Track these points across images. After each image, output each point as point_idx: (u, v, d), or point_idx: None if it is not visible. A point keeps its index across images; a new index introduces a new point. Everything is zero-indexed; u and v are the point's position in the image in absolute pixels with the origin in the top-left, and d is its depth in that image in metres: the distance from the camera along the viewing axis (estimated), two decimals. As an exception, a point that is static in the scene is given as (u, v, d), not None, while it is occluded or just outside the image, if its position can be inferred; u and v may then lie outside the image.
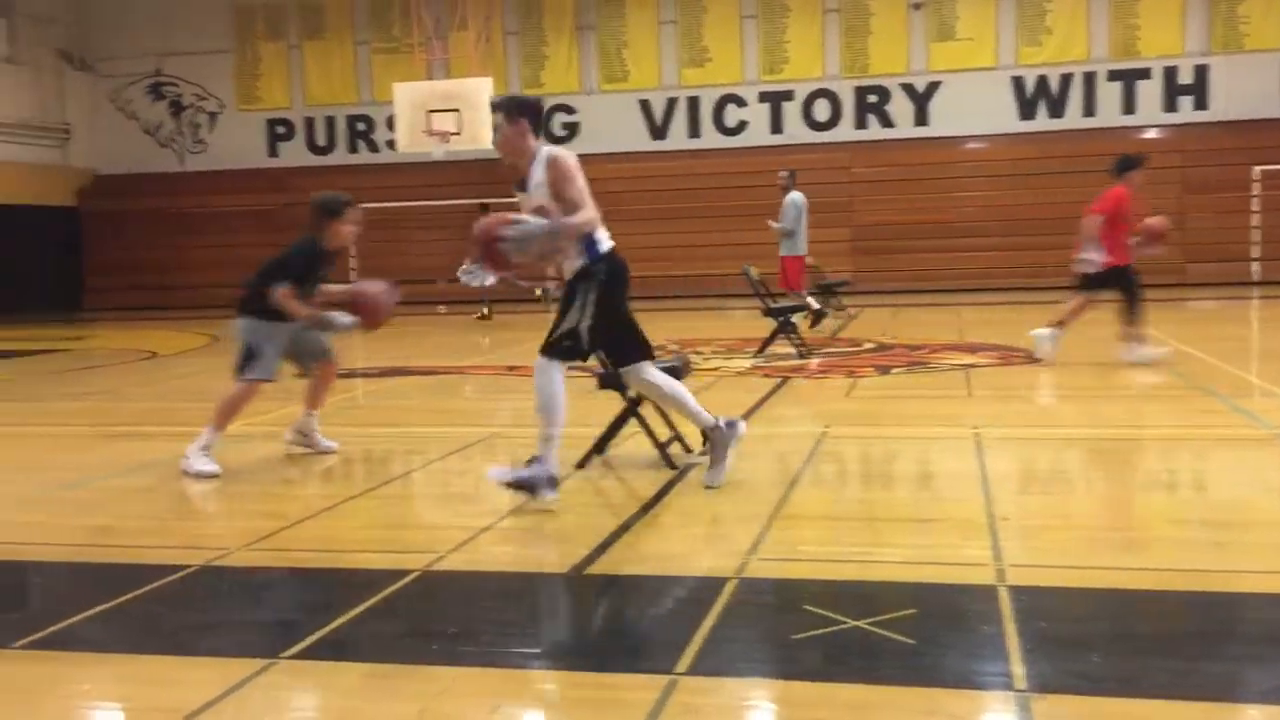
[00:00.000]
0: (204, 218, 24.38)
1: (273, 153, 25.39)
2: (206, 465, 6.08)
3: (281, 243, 6.77)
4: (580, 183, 5.12)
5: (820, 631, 3.45)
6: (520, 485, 5.06)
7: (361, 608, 3.80)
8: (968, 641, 3.40)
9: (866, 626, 3.46)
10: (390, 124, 22.76)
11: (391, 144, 23.18)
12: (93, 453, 7.20)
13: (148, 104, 25.74)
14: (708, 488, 5.38)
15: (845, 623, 3.49)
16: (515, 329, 15.72)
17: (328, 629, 3.60)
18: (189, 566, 4.34)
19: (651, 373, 5.49)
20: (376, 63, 24.65)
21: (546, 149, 5.17)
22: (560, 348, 5.12)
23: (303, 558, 4.58)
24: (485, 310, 17.98)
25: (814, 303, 13.60)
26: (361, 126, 25.15)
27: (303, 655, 3.39)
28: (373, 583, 4.03)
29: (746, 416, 7.54)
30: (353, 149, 25.26)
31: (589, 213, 5.09)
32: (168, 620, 3.89)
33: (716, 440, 5.48)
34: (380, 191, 23.84)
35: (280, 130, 25.47)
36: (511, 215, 5.14)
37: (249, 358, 6.34)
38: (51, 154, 25.01)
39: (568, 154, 5.15)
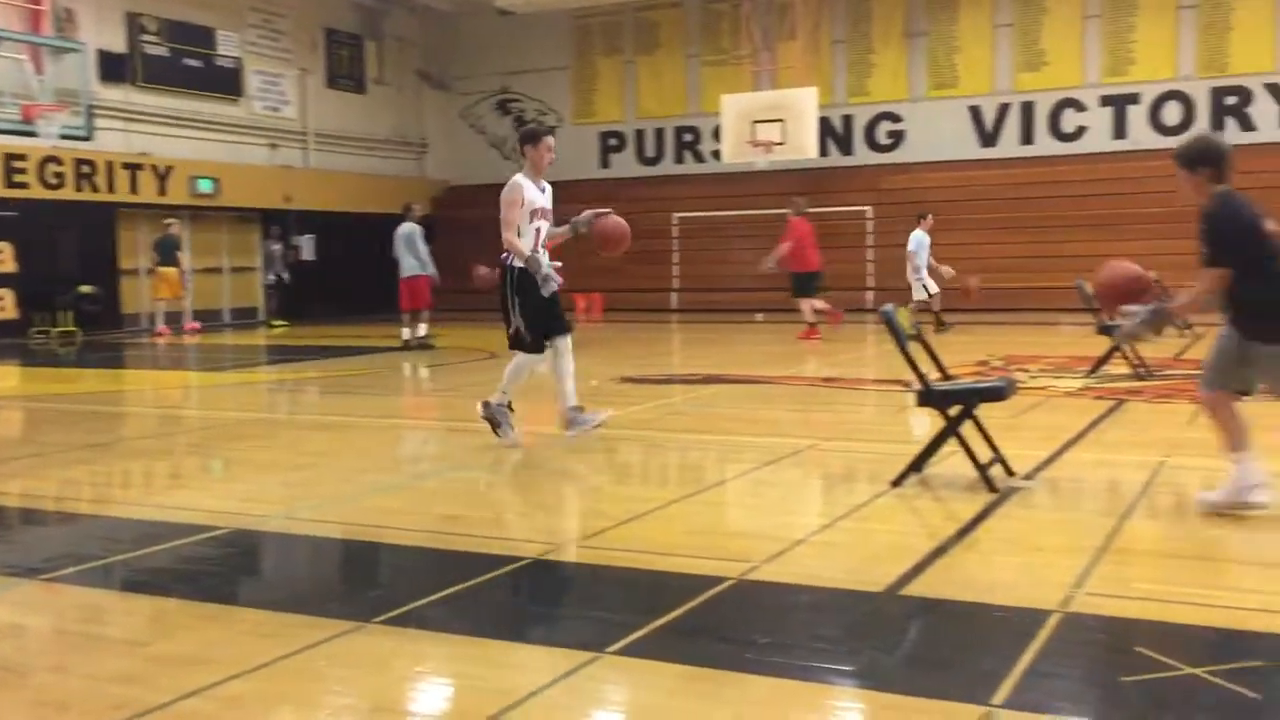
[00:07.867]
0: (541, 226, 25.70)
1: (604, 164, 26.55)
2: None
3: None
4: None
5: (1151, 676, 3.27)
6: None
7: (680, 610, 3.95)
8: (1324, 703, 3.13)
9: (1204, 675, 3.25)
10: (716, 135, 23.30)
11: (717, 154, 23.72)
12: (439, 445, 7.83)
13: (495, 119, 27.58)
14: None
15: (1180, 669, 3.30)
16: (833, 341, 15.67)
17: (649, 628, 3.77)
18: (524, 559, 4.67)
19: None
20: (705, 75, 25.27)
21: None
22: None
23: (626, 557, 4.80)
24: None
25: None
26: (688, 138, 25.85)
27: (625, 651, 3.57)
28: (691, 587, 4.18)
29: (1076, 441, 7.20)
30: (679, 160, 26.02)
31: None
32: (505, 608, 4.22)
33: (572, 419, 7.07)
34: (704, 201, 24.43)
35: (612, 142, 26.60)
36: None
37: None
38: (410, 166, 27.30)
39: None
